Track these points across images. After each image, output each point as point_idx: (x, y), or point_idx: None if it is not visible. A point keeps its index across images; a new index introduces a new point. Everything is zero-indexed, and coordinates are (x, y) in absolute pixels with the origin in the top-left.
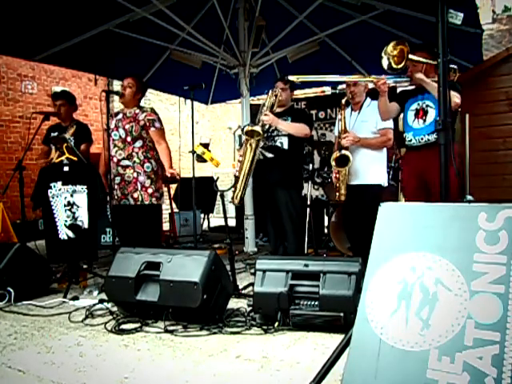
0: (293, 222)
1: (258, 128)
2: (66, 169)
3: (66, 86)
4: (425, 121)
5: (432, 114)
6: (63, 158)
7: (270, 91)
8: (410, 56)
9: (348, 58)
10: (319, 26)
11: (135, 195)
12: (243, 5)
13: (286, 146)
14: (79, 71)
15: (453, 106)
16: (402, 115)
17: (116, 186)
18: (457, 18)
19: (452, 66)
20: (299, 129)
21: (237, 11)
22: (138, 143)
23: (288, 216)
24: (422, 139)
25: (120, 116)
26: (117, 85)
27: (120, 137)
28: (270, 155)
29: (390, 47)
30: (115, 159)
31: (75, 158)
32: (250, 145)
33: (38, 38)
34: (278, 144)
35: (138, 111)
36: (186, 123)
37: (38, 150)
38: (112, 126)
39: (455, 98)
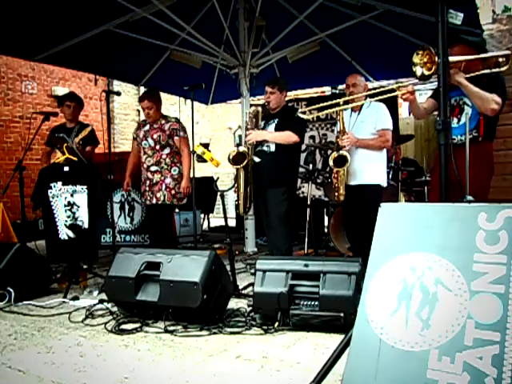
0: (280, 220)
1: (243, 149)
2: (66, 169)
3: (65, 86)
4: (459, 120)
5: (468, 113)
6: (63, 157)
7: (249, 113)
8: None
9: (348, 58)
10: (319, 26)
11: (158, 195)
12: (243, 5)
13: (272, 149)
14: (79, 71)
15: (488, 113)
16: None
17: (147, 189)
18: (457, 18)
19: (506, 52)
20: (285, 138)
21: (237, 11)
22: (166, 150)
23: (276, 215)
24: (454, 139)
25: (147, 127)
26: (117, 85)
27: (149, 145)
28: (257, 160)
29: (417, 57)
30: (145, 165)
31: (75, 158)
32: (238, 170)
33: (38, 37)
34: (264, 148)
35: (163, 122)
36: (186, 123)
37: (38, 150)
38: (141, 135)
39: (492, 103)
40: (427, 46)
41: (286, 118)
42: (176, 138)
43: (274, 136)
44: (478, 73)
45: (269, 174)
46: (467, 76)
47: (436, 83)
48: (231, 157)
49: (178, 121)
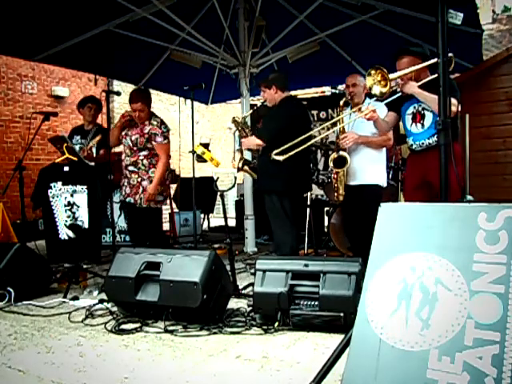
0: (277, 224)
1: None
2: (65, 169)
3: (65, 86)
4: (423, 125)
5: (429, 118)
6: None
7: (234, 123)
8: (391, 76)
9: (348, 58)
10: (319, 26)
11: (136, 197)
12: (243, 5)
13: (260, 153)
14: (79, 71)
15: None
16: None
17: (126, 184)
18: (457, 17)
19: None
20: (253, 144)
21: (237, 11)
22: (144, 152)
23: (271, 218)
24: (422, 144)
25: (133, 123)
26: (117, 85)
27: (128, 145)
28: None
29: (370, 78)
30: (124, 163)
31: (75, 158)
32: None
33: (38, 37)
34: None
35: (146, 123)
36: (185, 123)
37: (38, 150)
38: (123, 133)
39: (452, 106)
40: (378, 66)
41: (264, 119)
42: (154, 143)
43: (250, 143)
44: (427, 79)
45: (260, 178)
46: (419, 84)
47: (394, 96)
48: (239, 167)
49: (159, 125)
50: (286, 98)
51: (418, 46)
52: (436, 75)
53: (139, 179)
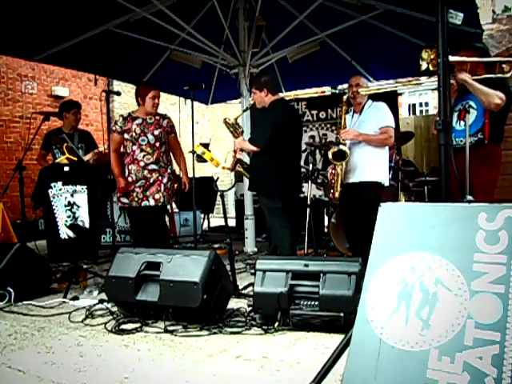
0: (270, 225)
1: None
2: (66, 169)
3: (65, 86)
4: (466, 123)
5: (473, 116)
6: (63, 157)
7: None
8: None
9: (348, 58)
10: (319, 26)
11: (157, 196)
12: (243, 5)
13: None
14: (79, 71)
15: (492, 108)
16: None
17: (138, 189)
18: (457, 17)
19: (510, 59)
20: (249, 149)
21: (237, 11)
22: (163, 148)
23: (268, 218)
24: (461, 141)
25: (140, 121)
26: (117, 85)
27: (148, 142)
28: None
29: (425, 53)
30: (142, 163)
31: (75, 158)
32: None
33: (38, 37)
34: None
35: (158, 117)
36: (186, 123)
37: (38, 150)
38: (137, 130)
39: (495, 98)
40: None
41: (256, 122)
42: (172, 135)
43: (243, 146)
44: (481, 77)
45: (251, 179)
46: (474, 78)
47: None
48: (232, 168)
49: (170, 119)
50: (275, 100)
51: (479, 42)
52: (492, 75)
53: (160, 177)
